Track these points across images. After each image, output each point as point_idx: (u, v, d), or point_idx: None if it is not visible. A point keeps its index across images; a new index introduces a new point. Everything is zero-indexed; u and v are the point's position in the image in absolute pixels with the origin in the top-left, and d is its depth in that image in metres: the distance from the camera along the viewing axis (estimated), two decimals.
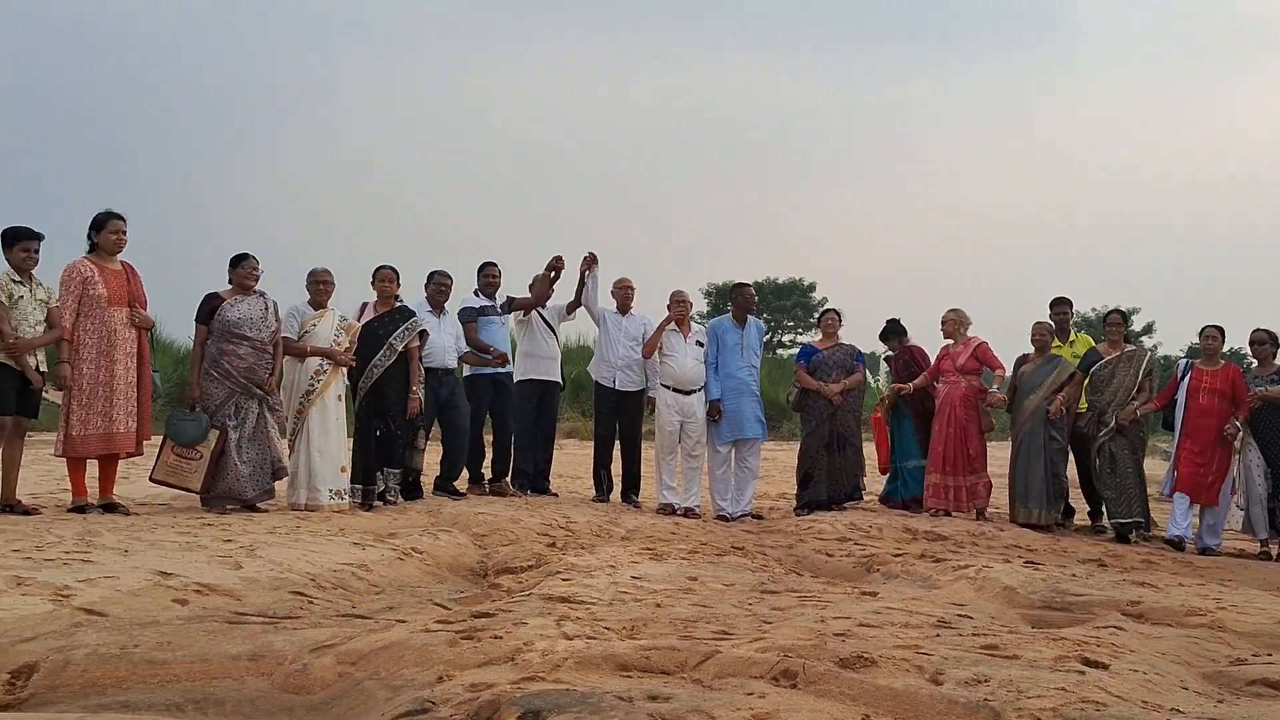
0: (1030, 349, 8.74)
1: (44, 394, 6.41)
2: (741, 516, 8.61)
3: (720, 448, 8.72)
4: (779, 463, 14.37)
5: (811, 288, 44.99)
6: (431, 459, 8.48)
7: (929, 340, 9.40)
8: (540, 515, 7.32)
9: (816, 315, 9.53)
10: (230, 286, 7.09)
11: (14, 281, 6.17)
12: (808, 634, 3.47)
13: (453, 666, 3.13)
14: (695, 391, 8.59)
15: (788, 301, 45.10)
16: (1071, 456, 8.66)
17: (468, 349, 8.40)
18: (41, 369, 6.29)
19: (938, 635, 3.62)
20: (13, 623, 3.39)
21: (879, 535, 7.40)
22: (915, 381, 8.96)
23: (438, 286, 8.28)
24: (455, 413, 8.22)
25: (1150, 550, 7.61)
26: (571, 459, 13.70)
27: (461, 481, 8.56)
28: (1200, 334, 8.47)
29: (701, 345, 8.69)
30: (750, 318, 8.98)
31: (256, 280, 7.11)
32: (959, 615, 4.20)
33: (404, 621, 3.71)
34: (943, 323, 8.91)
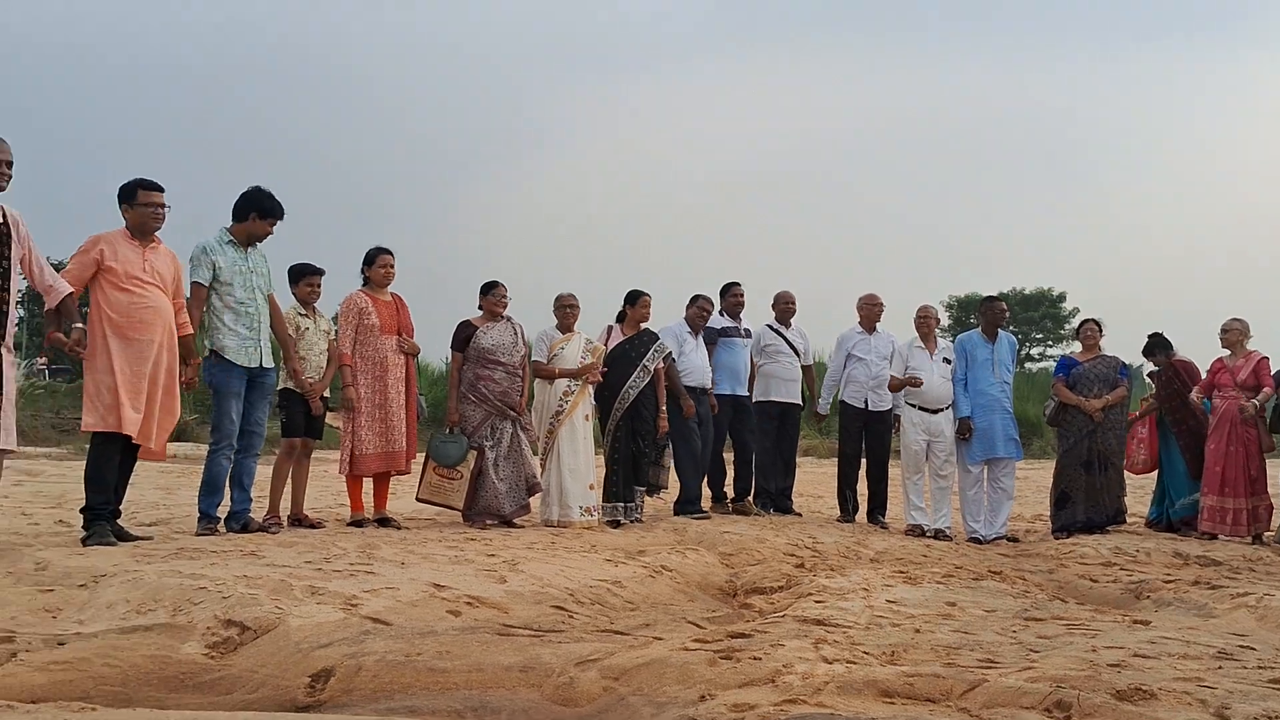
0: None
1: (326, 418, 6.94)
2: (996, 539, 8.30)
3: (971, 467, 8.45)
4: (1031, 482, 13.76)
5: (1061, 297, 43.03)
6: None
7: (1200, 354, 8.80)
8: (785, 535, 7.31)
9: (1076, 325, 9.09)
10: (481, 313, 7.45)
11: (300, 315, 6.72)
12: (1079, 664, 3.32)
13: (714, 686, 3.18)
14: (943, 410, 8.37)
15: (1036, 313, 43.30)
16: None
17: None
18: (324, 394, 6.81)
19: (1219, 667, 3.38)
20: (311, 629, 3.69)
21: (1146, 560, 6.98)
22: (1191, 395, 8.42)
23: (700, 310, 8.40)
24: (703, 430, 8.32)
25: None
26: (810, 477, 13.57)
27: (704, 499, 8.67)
28: None
29: (949, 362, 8.46)
30: (1002, 332, 8.68)
31: (505, 306, 7.44)
32: (1240, 646, 3.90)
33: (661, 639, 3.79)
34: (1224, 332, 8.28)
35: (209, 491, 6.13)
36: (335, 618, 3.83)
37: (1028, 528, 9.47)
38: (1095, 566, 6.72)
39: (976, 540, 8.25)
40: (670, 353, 7.91)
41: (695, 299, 8.43)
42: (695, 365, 8.26)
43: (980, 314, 8.94)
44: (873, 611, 4.37)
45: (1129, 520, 8.63)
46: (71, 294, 5.33)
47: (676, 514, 8.21)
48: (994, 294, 9.09)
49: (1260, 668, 3.44)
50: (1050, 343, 43.23)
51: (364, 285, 7.08)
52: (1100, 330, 8.69)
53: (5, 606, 4.05)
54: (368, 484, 7.10)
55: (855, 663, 3.40)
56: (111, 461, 5.62)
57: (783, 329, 8.82)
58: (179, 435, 17.55)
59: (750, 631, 3.88)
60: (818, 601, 4.63)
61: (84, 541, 5.39)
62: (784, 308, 8.95)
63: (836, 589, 4.96)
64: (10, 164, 4.95)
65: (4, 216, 5.01)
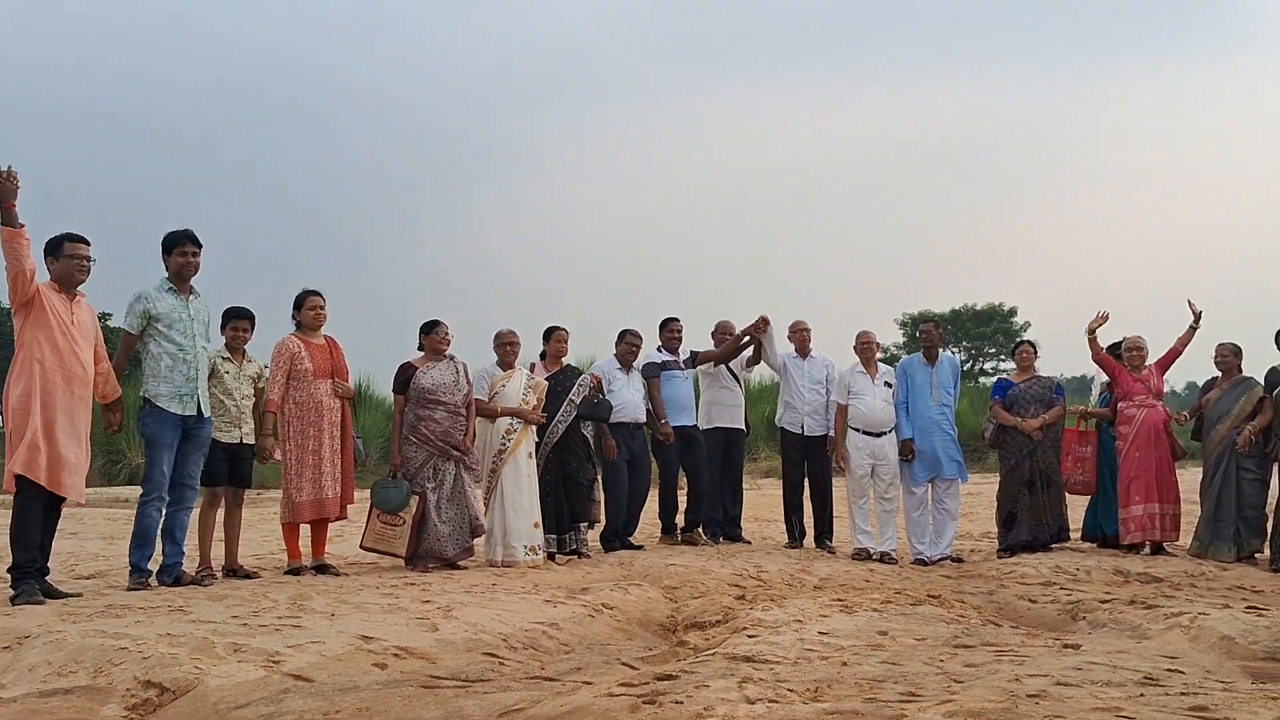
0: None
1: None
2: (940, 560, 8.35)
3: (915, 489, 8.52)
4: (985, 498, 13.83)
5: (1012, 313, 43.45)
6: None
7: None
8: (732, 565, 7.31)
9: (1012, 347, 9.20)
10: (422, 353, 7.41)
11: (222, 358, 6.63)
12: (999, 695, 3.33)
13: None
14: (885, 433, 8.43)
15: (987, 328, 43.70)
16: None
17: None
18: (247, 441, 6.72)
19: (1142, 695, 3.40)
20: (230, 689, 3.63)
21: (1087, 579, 7.03)
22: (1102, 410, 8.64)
23: (628, 346, 8.43)
24: (637, 467, 8.35)
25: None
26: (771, 501, 13.57)
27: (650, 536, 8.67)
28: None
29: (890, 385, 8.53)
30: (943, 354, 8.78)
31: (448, 345, 7.42)
32: (1169, 670, 3.93)
33: (590, 684, 3.76)
34: (1134, 349, 8.46)
35: (140, 544, 6.03)
36: (255, 676, 3.76)
37: (974, 546, 9.54)
38: (1035, 586, 6.76)
39: (922, 562, 8.29)
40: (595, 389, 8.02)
41: (623, 335, 8.50)
42: (627, 400, 8.33)
43: (919, 339, 9.05)
44: (803, 645, 4.35)
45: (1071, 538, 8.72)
46: None
47: (605, 549, 8.22)
48: (928, 317, 9.20)
49: (1184, 693, 3.46)
50: (1003, 357, 43.61)
51: (296, 329, 7.01)
52: (1035, 352, 8.82)
53: None
54: (307, 530, 7.02)
55: (778, 701, 3.38)
56: (35, 517, 5.51)
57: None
58: (130, 479, 17.32)
59: (678, 672, 3.85)
60: (750, 636, 4.61)
61: (12, 601, 5.28)
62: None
63: (771, 622, 4.95)
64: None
65: None
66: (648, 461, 8.44)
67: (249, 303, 6.87)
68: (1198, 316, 8.25)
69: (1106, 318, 8.43)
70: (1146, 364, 8.43)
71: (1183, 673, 3.91)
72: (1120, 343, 8.66)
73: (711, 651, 4.39)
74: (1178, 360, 8.43)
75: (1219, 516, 7.87)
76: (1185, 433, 8.79)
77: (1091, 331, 8.43)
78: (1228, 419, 7.95)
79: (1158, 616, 5.27)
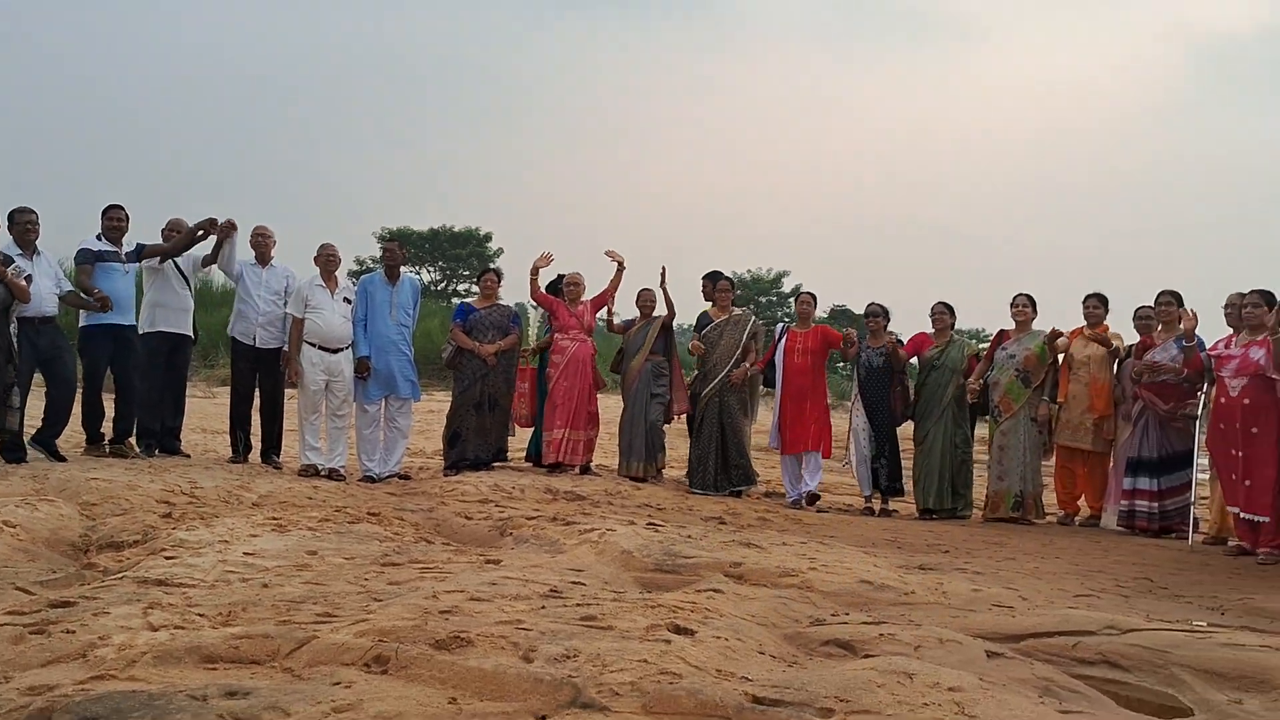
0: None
1: None
2: (389, 477, 8.48)
3: (369, 406, 8.55)
4: (441, 414, 14.22)
5: (488, 238, 44.94)
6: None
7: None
8: (164, 480, 6.84)
9: (476, 277, 9.51)
10: None
11: None
12: (413, 612, 3.44)
13: (13, 667, 2.87)
14: (342, 350, 8.33)
15: (464, 250, 44.81)
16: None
17: (69, 291, 7.61)
18: None
19: (543, 608, 3.69)
20: None
21: (520, 496, 7.51)
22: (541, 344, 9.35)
23: (22, 227, 7.36)
24: (59, 364, 7.43)
25: (768, 506, 8.19)
26: (224, 411, 12.91)
27: (75, 444, 7.87)
28: (796, 298, 9.37)
29: (350, 302, 8.42)
30: (405, 274, 8.83)
31: None
32: (573, 583, 4.31)
33: None
34: (572, 284, 9.14)
35: None
36: None
37: (424, 464, 9.81)
38: (473, 504, 7.09)
39: (370, 479, 8.36)
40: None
41: (12, 215, 7.40)
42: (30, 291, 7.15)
43: (381, 257, 9.03)
44: (225, 567, 4.21)
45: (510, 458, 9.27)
46: None
47: (30, 444, 7.35)
48: (391, 239, 9.24)
49: (580, 605, 3.79)
50: (478, 279, 45.07)
51: None
52: (499, 280, 9.32)
53: None
54: None
55: (183, 628, 3.24)
56: None
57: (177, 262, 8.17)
58: None
59: (76, 599, 3.56)
60: (168, 558, 4.36)
61: None
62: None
63: (194, 543, 4.72)
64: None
65: None
66: (71, 358, 7.57)
67: None
68: (620, 264, 9.04)
69: (550, 258, 9.01)
70: (582, 300, 9.09)
71: (584, 585, 4.30)
72: (562, 277, 9.27)
73: (121, 574, 4.10)
74: (610, 300, 9.22)
75: (633, 437, 9.02)
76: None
77: (535, 271, 8.98)
78: (641, 351, 9.06)
79: (573, 532, 5.76)
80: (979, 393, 8.33)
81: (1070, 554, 6.56)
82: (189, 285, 8.30)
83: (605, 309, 9.33)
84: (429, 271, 44.94)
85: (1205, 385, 7.12)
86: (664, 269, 9.17)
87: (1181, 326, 7.27)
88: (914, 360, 8.95)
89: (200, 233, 8.08)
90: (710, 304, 9.37)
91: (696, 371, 9.11)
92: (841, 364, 18.30)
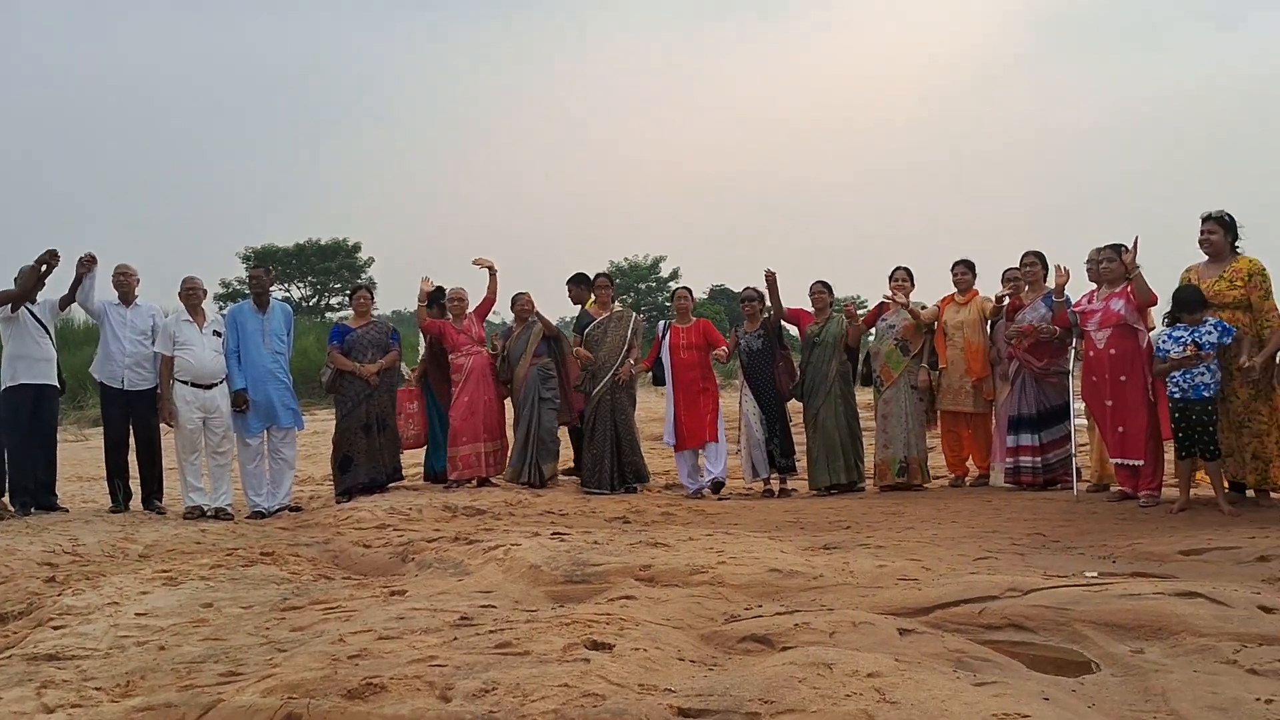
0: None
1: None
2: (279, 511, 8.24)
3: (250, 440, 8.28)
4: (327, 436, 13.87)
5: (356, 248, 44.21)
6: None
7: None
8: (43, 540, 6.49)
9: (349, 294, 9.29)
10: None
11: None
12: (320, 661, 3.33)
13: None
14: (216, 385, 8.04)
15: (333, 263, 43.97)
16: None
17: None
18: None
19: (455, 639, 3.62)
20: None
21: (419, 517, 7.37)
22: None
23: None
24: None
25: (670, 499, 8.22)
26: (101, 456, 12.36)
27: None
28: (672, 295, 9.43)
29: (219, 335, 8.14)
30: (275, 301, 8.57)
31: None
32: (483, 606, 4.23)
33: None
34: (455, 300, 9.02)
35: None
36: None
37: (314, 492, 9.56)
38: (370, 530, 6.93)
39: (260, 514, 8.11)
40: None
41: None
42: None
43: (249, 285, 8.76)
44: (117, 632, 4.01)
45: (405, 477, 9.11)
46: None
47: None
48: (258, 263, 8.96)
49: (493, 631, 3.72)
50: (346, 293, 44.24)
51: None
52: (371, 297, 9.08)
53: None
54: None
55: (81, 705, 3.09)
56: None
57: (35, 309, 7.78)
58: None
59: None
60: (57, 628, 4.14)
61: None
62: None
63: (82, 608, 4.48)
64: None
65: None
66: None
67: None
68: (492, 270, 8.96)
69: (430, 283, 9.03)
70: (467, 313, 8.98)
71: (495, 607, 4.23)
72: (443, 291, 9.13)
73: (8, 653, 3.87)
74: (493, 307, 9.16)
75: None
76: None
77: (421, 300, 8.94)
78: (524, 357, 8.93)
79: (477, 551, 5.66)
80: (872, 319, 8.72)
81: (965, 517, 6.74)
82: (49, 333, 7.89)
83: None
84: (299, 288, 43.97)
85: (1074, 340, 7.39)
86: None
87: (1053, 282, 7.50)
88: (793, 329, 9.19)
89: (44, 268, 7.67)
90: (579, 305, 9.38)
91: (583, 370, 9.05)
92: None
